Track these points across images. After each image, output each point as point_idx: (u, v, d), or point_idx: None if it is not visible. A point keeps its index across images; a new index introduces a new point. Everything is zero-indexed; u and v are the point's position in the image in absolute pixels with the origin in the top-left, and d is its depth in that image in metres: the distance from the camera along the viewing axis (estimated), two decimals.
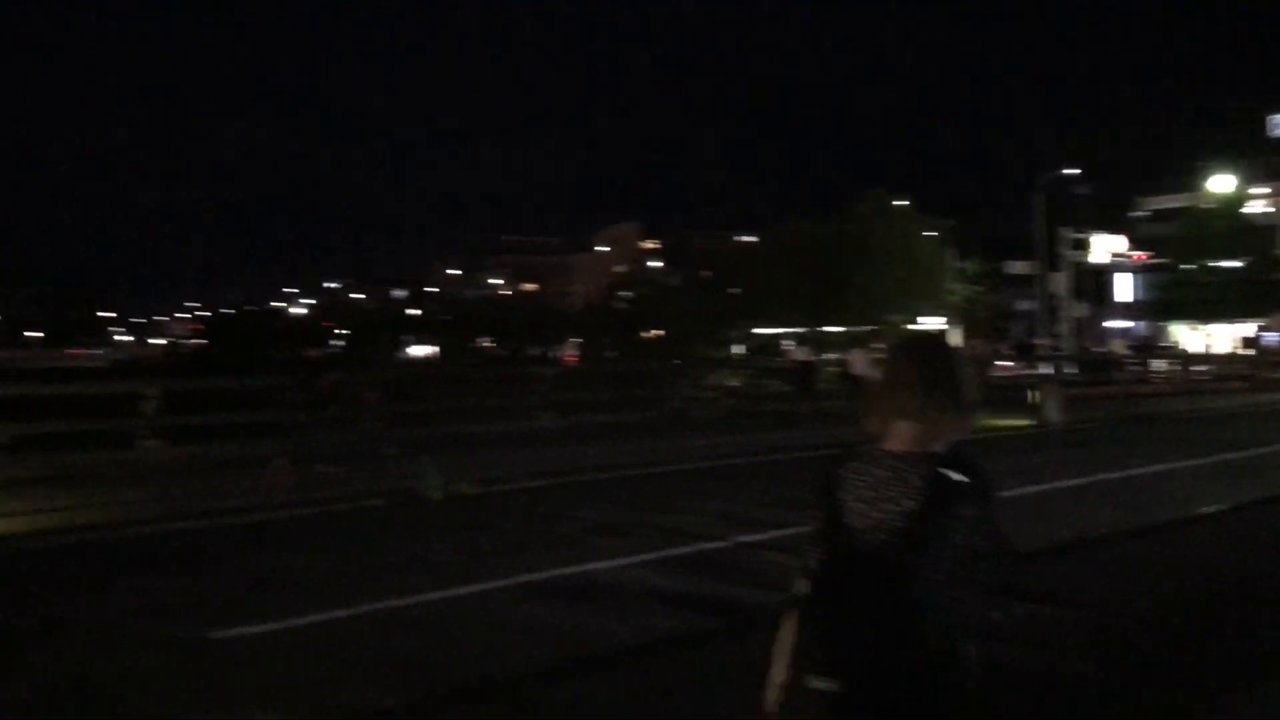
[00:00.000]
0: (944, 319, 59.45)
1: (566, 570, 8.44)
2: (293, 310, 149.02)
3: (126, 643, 6.66)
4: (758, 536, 9.71)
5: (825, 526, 2.39)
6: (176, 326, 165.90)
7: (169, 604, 7.59)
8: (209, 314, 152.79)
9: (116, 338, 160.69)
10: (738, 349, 72.29)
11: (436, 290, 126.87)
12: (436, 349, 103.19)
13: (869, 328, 45.75)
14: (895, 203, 62.02)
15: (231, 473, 13.35)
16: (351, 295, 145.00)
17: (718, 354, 67.50)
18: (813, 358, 26.18)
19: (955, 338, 51.00)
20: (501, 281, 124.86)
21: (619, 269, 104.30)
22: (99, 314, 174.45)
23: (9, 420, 13.62)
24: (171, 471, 13.23)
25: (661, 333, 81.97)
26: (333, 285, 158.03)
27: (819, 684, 2.31)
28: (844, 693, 2.29)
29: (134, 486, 12.31)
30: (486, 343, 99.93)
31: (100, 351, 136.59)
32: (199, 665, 6.23)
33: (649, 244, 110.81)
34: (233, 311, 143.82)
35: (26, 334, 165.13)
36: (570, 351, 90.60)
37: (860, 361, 21.62)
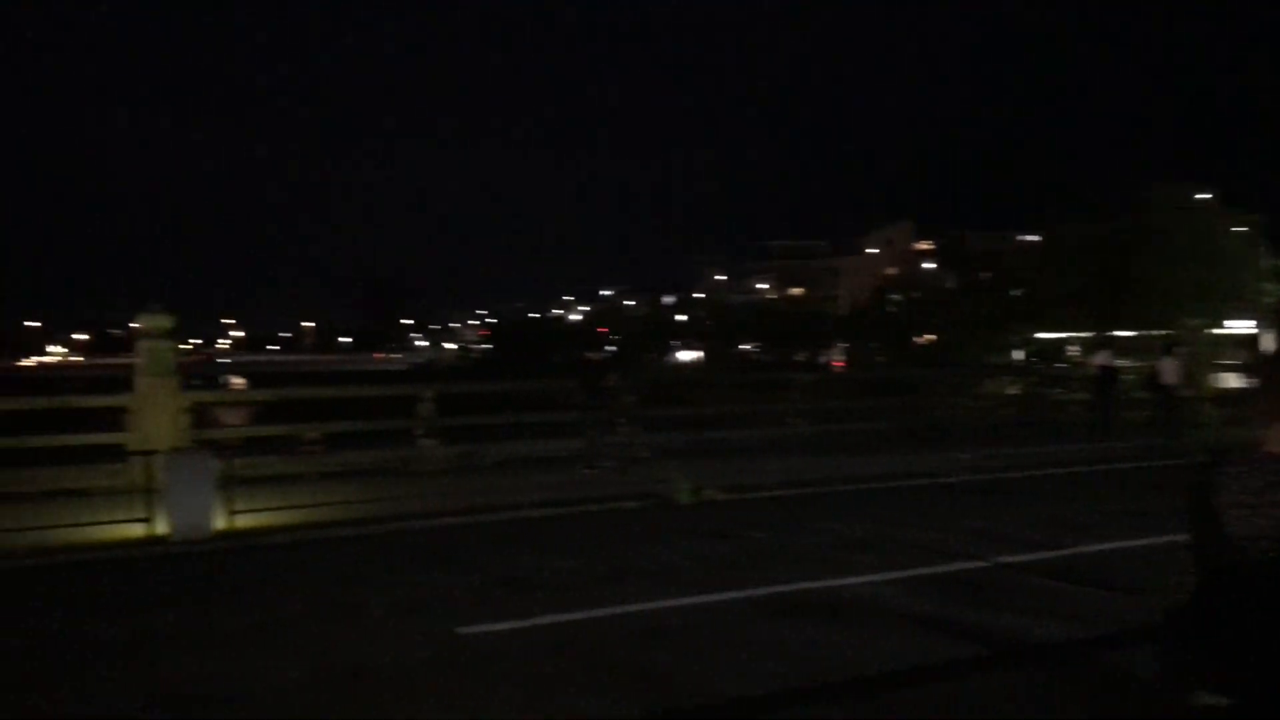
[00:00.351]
0: (1254, 322, 53.71)
1: (811, 585, 8.18)
2: (571, 317, 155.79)
3: (380, 634, 7.03)
4: (1024, 557, 9.04)
5: (1202, 536, 2.27)
6: (467, 332, 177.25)
7: (424, 598, 7.97)
8: (495, 321, 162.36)
9: (417, 343, 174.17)
10: (1017, 354, 68.48)
11: (703, 296, 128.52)
12: (702, 354, 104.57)
13: (1166, 332, 42.02)
14: (1196, 195, 56.63)
15: (496, 472, 14.00)
16: (625, 302, 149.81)
17: (996, 359, 64.24)
18: (1113, 363, 24.28)
19: (1268, 342, 45.89)
20: (767, 286, 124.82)
21: (889, 271, 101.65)
22: (401, 321, 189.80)
23: (321, 419, 14.99)
24: (442, 470, 14.03)
25: (935, 338, 79.05)
26: (607, 292, 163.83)
27: (1208, 700, 2.17)
28: (1235, 708, 2.18)
29: (408, 483, 13.11)
30: (750, 348, 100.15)
31: (399, 356, 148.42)
32: (444, 660, 6.47)
33: (922, 245, 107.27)
34: (516, 318, 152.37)
35: (340, 340, 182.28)
36: (837, 357, 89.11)
37: (1170, 369, 19.85)
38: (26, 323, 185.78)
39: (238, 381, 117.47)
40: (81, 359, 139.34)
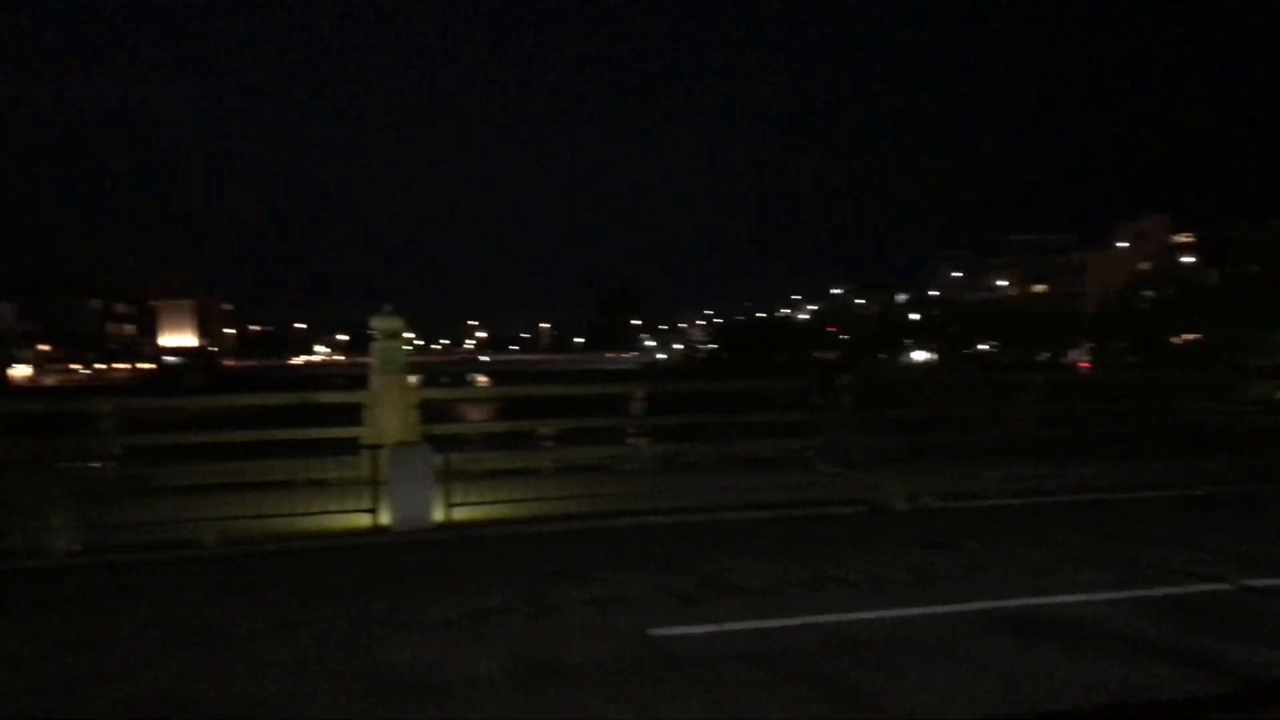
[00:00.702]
0: None
1: (1029, 601, 7.64)
2: (800, 316, 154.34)
3: (575, 631, 7.09)
4: (1273, 581, 8.11)
5: None
6: (695, 333, 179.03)
7: (621, 596, 7.99)
8: (722, 321, 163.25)
9: (646, 343, 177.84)
10: None
11: (937, 294, 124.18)
12: (935, 354, 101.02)
13: None
14: None
15: (707, 472, 13.94)
16: (855, 300, 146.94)
17: (1270, 361, 58.60)
18: None
19: None
20: (1007, 283, 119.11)
21: (1142, 266, 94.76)
22: (631, 322, 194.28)
23: (543, 416, 15.45)
24: (652, 469, 14.12)
25: (1195, 337, 72.96)
26: (837, 291, 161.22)
27: None
28: None
29: (618, 481, 13.26)
30: (988, 347, 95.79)
31: (628, 355, 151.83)
32: (632, 661, 6.44)
33: (1180, 238, 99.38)
34: (742, 318, 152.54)
35: (575, 340, 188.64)
36: (1083, 357, 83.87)
37: None
38: (296, 324, 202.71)
39: (482, 379, 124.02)
40: (342, 358, 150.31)
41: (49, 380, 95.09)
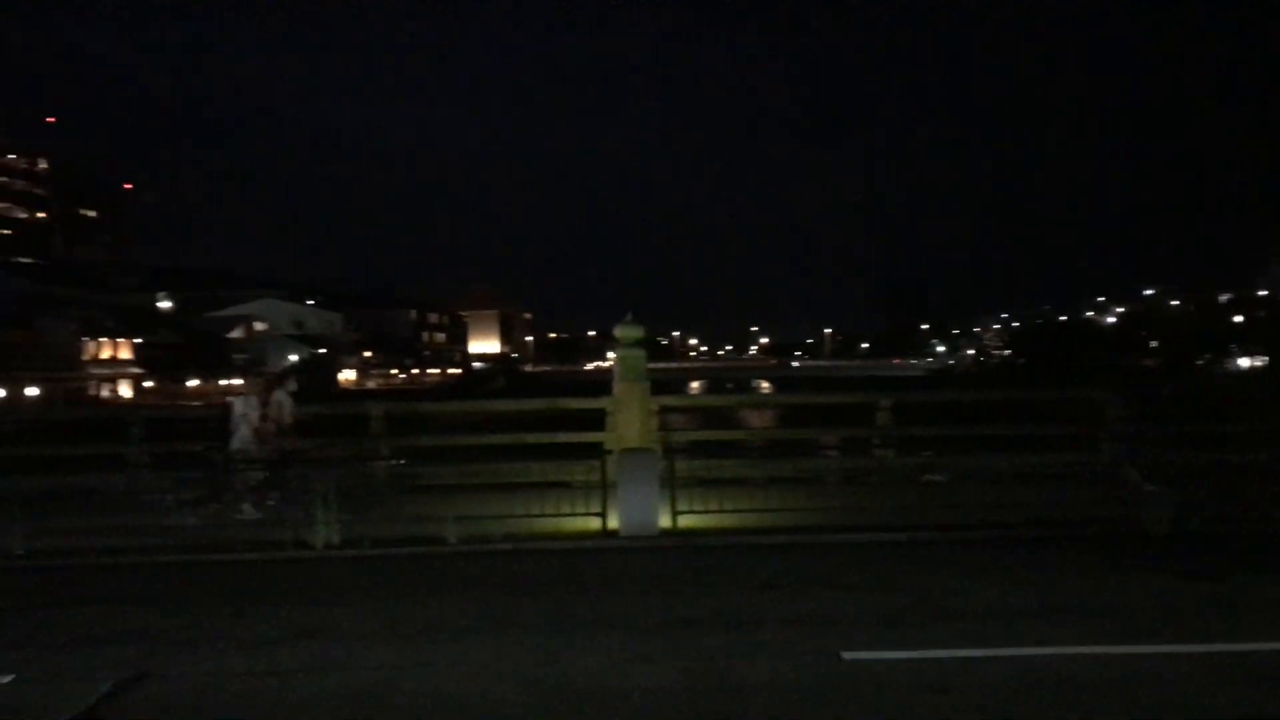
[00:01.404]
0: None
1: None
2: (1105, 320, 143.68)
3: (767, 647, 6.90)
4: None
5: None
6: (989, 337, 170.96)
7: (824, 615, 7.70)
8: (1018, 325, 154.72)
9: (937, 349, 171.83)
10: None
11: (1266, 293, 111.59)
12: (1266, 360, 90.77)
13: None
14: None
15: (955, 487, 13.17)
16: (1170, 302, 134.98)
17: None
18: None
19: None
20: None
21: None
22: (920, 326, 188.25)
23: (799, 426, 15.28)
24: (895, 482, 13.50)
25: None
26: (1149, 291, 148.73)
27: None
28: None
29: (855, 494, 12.80)
30: None
31: (917, 361, 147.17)
32: (816, 684, 6.19)
33: None
34: (1040, 321, 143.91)
35: (862, 345, 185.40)
36: None
37: None
38: (589, 332, 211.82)
39: (765, 386, 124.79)
40: None
41: (371, 384, 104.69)
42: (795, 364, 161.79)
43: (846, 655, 6.68)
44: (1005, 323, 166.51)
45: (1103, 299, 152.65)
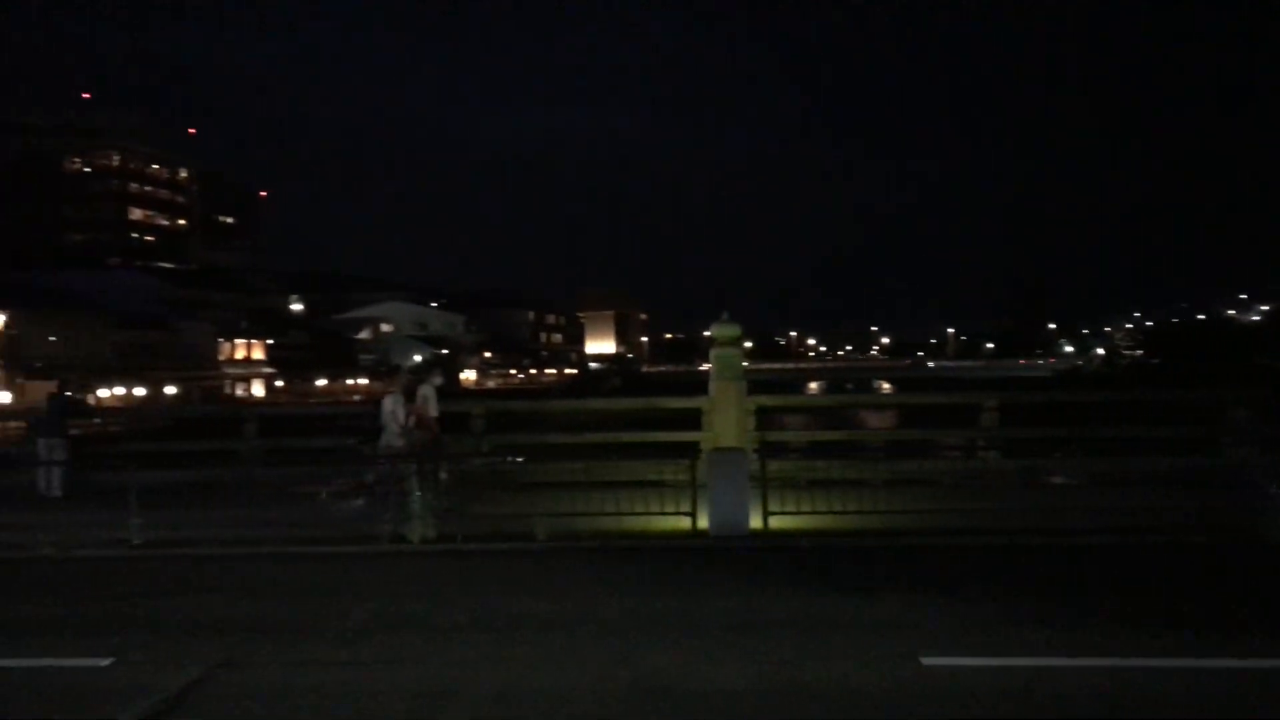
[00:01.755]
0: None
1: None
2: (1249, 318, 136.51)
3: (843, 651, 6.75)
4: None
5: None
6: (1119, 336, 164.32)
7: (907, 619, 7.51)
8: (1151, 323, 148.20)
9: (1065, 349, 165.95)
10: None
11: None
12: None
13: None
14: None
15: (1066, 491, 12.73)
16: None
17: None
18: None
19: None
20: None
21: None
22: (1047, 325, 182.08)
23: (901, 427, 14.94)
24: (999, 486, 13.08)
25: None
26: None
27: None
28: None
29: (956, 497, 12.41)
30: None
31: (1042, 362, 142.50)
32: (889, 688, 6.04)
33: None
34: (1175, 320, 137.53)
35: (986, 345, 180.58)
36: None
37: None
38: (705, 333, 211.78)
39: (886, 386, 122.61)
40: (745, 364, 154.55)
41: (490, 383, 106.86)
42: (931, 364, 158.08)
43: (926, 660, 6.50)
44: (1138, 321, 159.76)
45: (1245, 296, 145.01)
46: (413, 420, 13.15)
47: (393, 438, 12.86)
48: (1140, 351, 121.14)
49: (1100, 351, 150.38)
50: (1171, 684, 6.02)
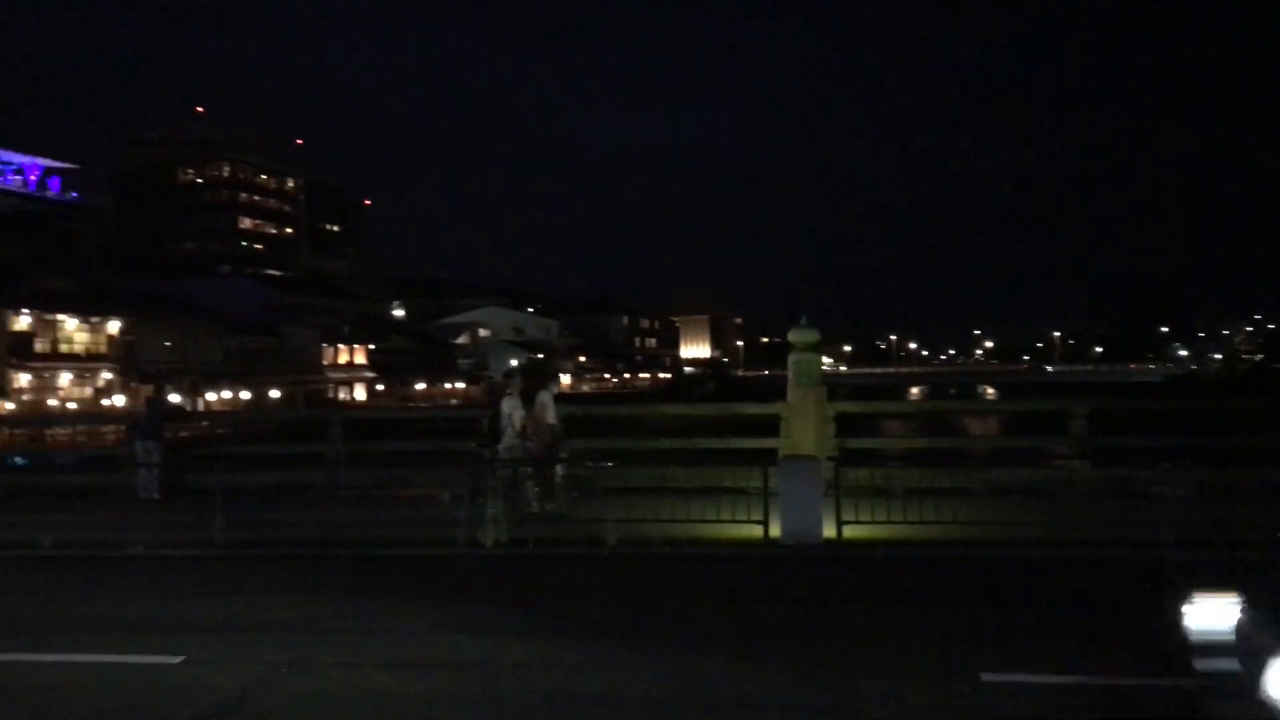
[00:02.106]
0: None
1: None
2: None
3: (896, 665, 6.60)
4: None
5: None
6: (1238, 340, 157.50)
7: (973, 633, 7.34)
8: (1274, 327, 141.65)
9: (1179, 353, 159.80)
10: None
11: None
12: None
13: None
14: None
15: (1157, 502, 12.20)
16: None
17: None
18: None
19: None
20: None
21: None
22: (1160, 329, 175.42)
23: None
24: (1088, 496, 12.62)
25: None
26: None
27: None
28: None
29: (1040, 507, 12.03)
30: None
31: (1154, 366, 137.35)
32: (943, 705, 5.88)
33: None
34: None
35: (1095, 350, 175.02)
36: None
37: None
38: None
39: (990, 392, 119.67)
40: (844, 369, 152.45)
41: (585, 388, 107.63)
42: (1049, 369, 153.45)
43: (987, 676, 6.30)
44: (1259, 324, 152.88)
45: None
46: (530, 426, 13.18)
47: (511, 440, 12.96)
48: (1261, 356, 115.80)
49: (1218, 356, 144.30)
50: None
